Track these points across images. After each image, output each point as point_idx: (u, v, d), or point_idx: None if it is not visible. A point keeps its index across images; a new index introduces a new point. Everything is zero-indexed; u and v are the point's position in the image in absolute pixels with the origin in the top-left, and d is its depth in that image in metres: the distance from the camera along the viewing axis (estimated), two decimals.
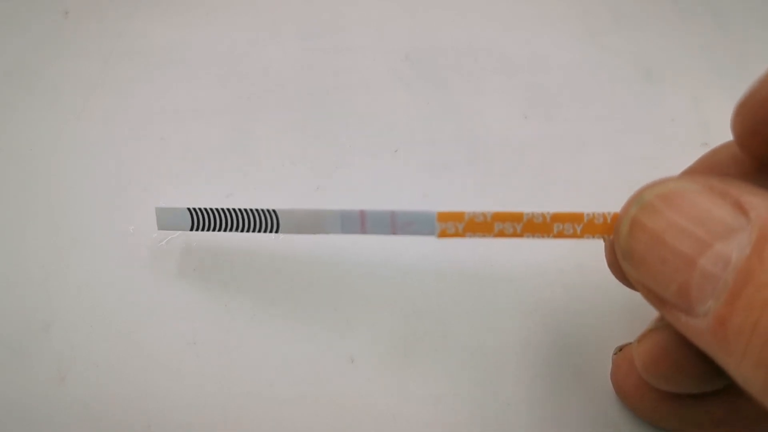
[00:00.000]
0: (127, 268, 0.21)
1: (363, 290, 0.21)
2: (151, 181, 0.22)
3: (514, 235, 0.15)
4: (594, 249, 0.21)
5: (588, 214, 0.15)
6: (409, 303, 0.20)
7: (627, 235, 0.13)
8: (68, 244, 0.21)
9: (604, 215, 0.15)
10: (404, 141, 0.24)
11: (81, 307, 0.20)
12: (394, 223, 0.16)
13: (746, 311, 0.11)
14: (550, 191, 0.23)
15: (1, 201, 0.22)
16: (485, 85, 0.26)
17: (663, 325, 0.16)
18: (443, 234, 0.16)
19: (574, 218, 0.15)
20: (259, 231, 0.18)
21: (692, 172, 0.16)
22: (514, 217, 0.15)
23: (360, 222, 0.16)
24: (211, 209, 0.18)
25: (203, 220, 0.18)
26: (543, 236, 0.15)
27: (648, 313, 0.19)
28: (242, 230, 0.18)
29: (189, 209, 0.18)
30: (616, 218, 0.14)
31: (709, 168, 0.16)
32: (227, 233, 0.18)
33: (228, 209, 0.18)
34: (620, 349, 0.18)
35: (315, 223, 0.17)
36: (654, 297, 0.13)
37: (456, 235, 0.15)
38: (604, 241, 0.17)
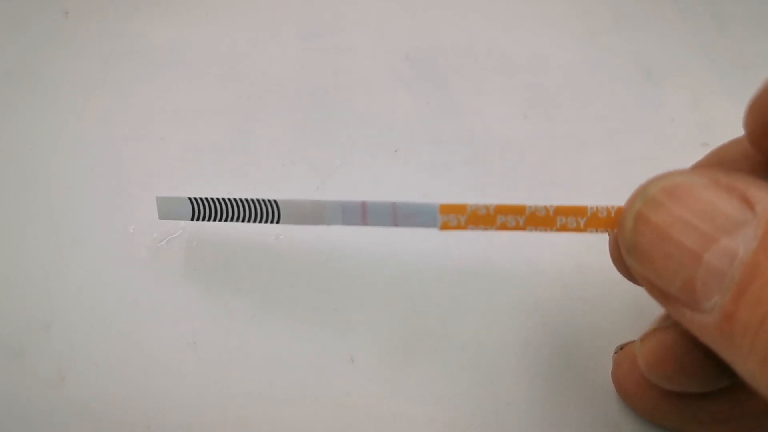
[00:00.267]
0: (127, 268, 0.21)
1: (363, 290, 0.21)
2: (151, 181, 0.22)
3: (517, 228, 0.15)
4: (594, 248, 0.21)
5: (591, 208, 0.15)
6: (409, 303, 0.20)
7: (631, 230, 0.13)
8: (68, 244, 0.21)
9: (607, 209, 0.15)
10: (404, 141, 0.24)
11: (81, 307, 0.20)
12: (396, 215, 0.16)
13: (753, 306, 0.10)
14: (550, 191, 0.23)
15: (1, 201, 0.22)
16: (485, 85, 0.26)
17: (667, 325, 0.16)
18: (445, 226, 0.15)
19: (577, 212, 0.15)
20: (260, 221, 0.18)
21: (701, 166, 0.16)
22: (517, 210, 0.15)
23: (361, 213, 0.16)
24: (212, 199, 0.18)
25: (204, 209, 0.18)
26: (546, 229, 0.15)
27: (649, 312, 0.19)
28: (243, 220, 0.18)
29: (190, 198, 0.18)
30: (620, 212, 0.14)
31: (718, 163, 0.16)
32: (228, 223, 0.18)
33: (229, 199, 0.18)
34: (621, 347, 0.18)
35: (316, 213, 0.17)
36: (658, 292, 0.13)
37: (458, 227, 0.15)
38: (609, 235, 0.17)
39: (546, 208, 0.15)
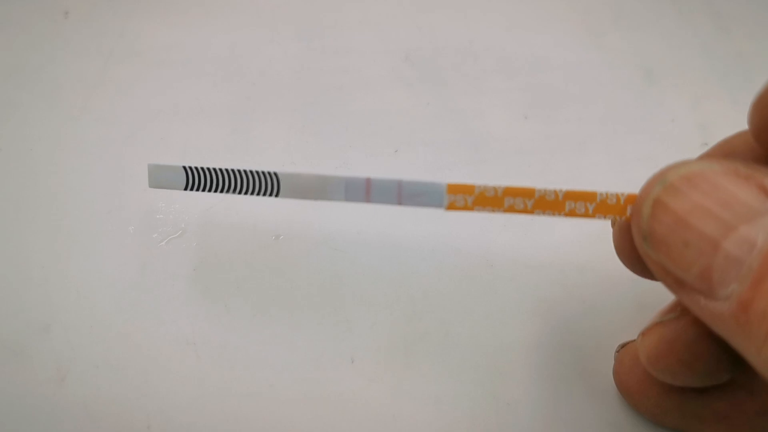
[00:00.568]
0: (127, 268, 0.21)
1: (363, 290, 0.21)
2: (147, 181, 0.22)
3: (525, 211, 0.15)
4: (595, 248, 0.22)
5: (601, 194, 0.15)
6: (409, 303, 0.20)
7: (649, 216, 0.13)
8: (68, 244, 0.21)
9: (617, 195, 0.14)
10: (404, 141, 0.24)
11: (81, 307, 0.20)
12: (401, 193, 0.15)
13: None
14: None
15: (1, 201, 0.22)
16: (485, 85, 0.26)
17: (668, 319, 0.16)
18: (452, 206, 0.15)
19: (586, 197, 0.15)
20: (259, 194, 0.17)
21: (707, 156, 0.16)
22: (526, 193, 0.15)
23: (365, 190, 0.16)
24: (209, 168, 0.17)
25: (199, 179, 0.17)
26: (554, 214, 0.15)
27: (650, 311, 0.19)
28: (240, 192, 0.17)
29: (184, 167, 0.17)
30: (630, 199, 0.14)
31: (724, 156, 0.16)
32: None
33: (227, 169, 0.17)
34: (622, 346, 0.18)
35: (318, 188, 0.16)
36: (673, 280, 0.13)
37: (465, 208, 0.15)
38: (612, 225, 0.17)
39: (555, 192, 0.15)
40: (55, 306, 0.20)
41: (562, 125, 0.25)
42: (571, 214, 0.15)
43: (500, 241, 0.22)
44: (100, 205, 0.22)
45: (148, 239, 0.21)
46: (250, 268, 0.21)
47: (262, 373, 0.19)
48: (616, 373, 0.18)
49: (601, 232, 0.22)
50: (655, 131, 0.25)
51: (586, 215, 0.15)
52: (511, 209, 0.15)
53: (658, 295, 0.17)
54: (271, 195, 0.17)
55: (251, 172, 0.17)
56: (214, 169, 0.17)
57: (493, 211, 0.15)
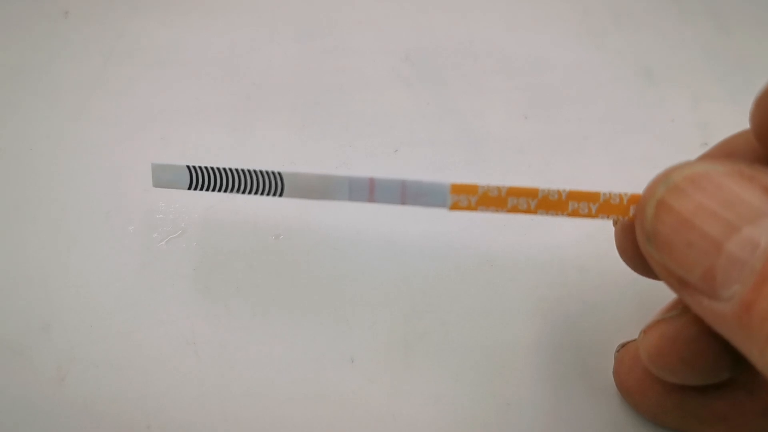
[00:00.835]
0: (127, 268, 0.21)
1: (363, 290, 0.21)
2: (151, 181, 0.22)
3: (528, 211, 0.15)
4: (595, 248, 0.22)
5: (604, 194, 0.15)
6: (409, 302, 0.20)
7: (652, 217, 0.13)
8: (68, 244, 0.21)
9: (620, 196, 0.15)
10: (404, 141, 0.24)
11: (81, 306, 0.20)
12: (405, 193, 0.16)
13: None
14: None
15: (1, 201, 0.22)
16: (485, 85, 0.26)
17: (669, 316, 0.16)
18: (455, 206, 0.15)
19: (590, 197, 0.15)
20: (262, 193, 0.17)
21: (709, 157, 0.16)
22: (529, 193, 0.15)
23: (368, 189, 0.16)
24: (212, 168, 0.17)
25: (203, 178, 0.17)
26: (557, 214, 0.15)
27: (650, 310, 0.19)
28: (244, 192, 0.17)
29: (188, 166, 0.17)
30: (633, 199, 0.14)
31: (725, 156, 0.16)
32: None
33: (231, 169, 0.17)
34: (622, 345, 0.18)
35: (322, 187, 0.16)
36: (675, 280, 0.13)
37: (468, 208, 0.15)
38: (614, 224, 0.17)
39: (559, 192, 0.15)
40: (55, 306, 0.20)
41: (562, 125, 0.25)
42: (574, 214, 0.15)
43: (501, 241, 0.22)
44: (100, 205, 0.22)
45: (148, 239, 0.21)
46: (250, 268, 0.21)
47: (262, 373, 0.19)
48: (616, 373, 0.18)
49: (601, 232, 0.22)
50: (655, 131, 0.25)
51: (589, 215, 0.15)
52: (515, 209, 0.15)
53: (659, 295, 0.17)
54: (274, 195, 0.17)
55: (255, 171, 0.17)
56: (218, 169, 0.17)
57: (497, 211, 0.15)
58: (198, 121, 0.24)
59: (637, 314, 0.20)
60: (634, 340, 0.18)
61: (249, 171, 0.17)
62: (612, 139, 0.24)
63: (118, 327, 0.20)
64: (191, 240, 0.21)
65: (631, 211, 0.14)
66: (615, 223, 0.17)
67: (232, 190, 0.17)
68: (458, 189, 0.15)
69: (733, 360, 0.15)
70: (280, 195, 0.17)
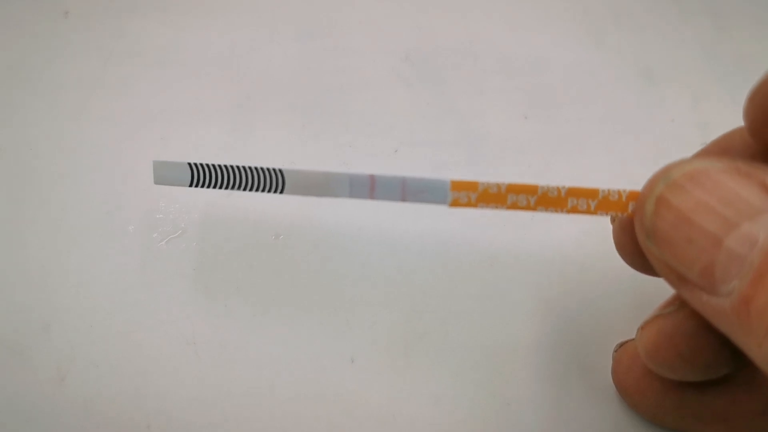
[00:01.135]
0: (127, 268, 0.21)
1: (363, 290, 0.21)
2: (151, 181, 0.22)
3: (527, 208, 0.15)
4: (595, 248, 0.22)
5: (603, 191, 0.15)
6: (409, 302, 0.20)
7: (652, 214, 0.13)
8: (68, 244, 0.21)
9: (619, 192, 0.15)
10: (404, 141, 0.24)
11: (80, 306, 0.20)
12: (405, 190, 0.16)
13: None
14: None
15: (1, 201, 0.22)
16: (485, 85, 0.26)
17: (667, 312, 0.16)
18: (455, 203, 0.15)
19: (589, 194, 0.15)
20: (263, 190, 0.17)
21: (706, 153, 0.16)
22: (529, 190, 0.15)
23: (369, 186, 0.16)
24: (214, 165, 0.17)
25: (204, 176, 0.17)
26: (556, 210, 0.15)
27: (649, 309, 0.19)
28: (246, 188, 0.17)
29: (189, 164, 0.17)
30: (632, 196, 0.14)
31: (721, 152, 0.16)
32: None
33: (231, 166, 0.17)
34: (621, 345, 0.18)
35: (322, 184, 0.16)
36: (675, 276, 0.13)
37: (468, 205, 0.15)
38: (612, 221, 0.17)
39: (558, 189, 0.15)
40: (55, 306, 0.20)
41: (562, 125, 0.25)
42: (573, 210, 0.15)
43: (500, 241, 0.22)
44: (100, 205, 0.22)
45: (148, 239, 0.21)
46: (250, 268, 0.21)
47: (262, 373, 0.19)
48: (615, 373, 0.18)
49: (601, 230, 0.22)
50: (655, 131, 0.25)
51: (588, 212, 0.15)
52: (514, 206, 0.15)
53: (658, 294, 0.17)
54: (275, 192, 0.17)
55: (256, 168, 0.17)
56: (219, 166, 0.17)
57: (497, 207, 0.15)
58: (198, 121, 0.24)
59: (637, 313, 0.20)
60: (632, 340, 0.18)
61: (250, 168, 0.17)
62: (612, 139, 0.24)
63: (118, 327, 0.20)
64: (191, 240, 0.21)
65: (630, 208, 0.14)
66: (613, 220, 0.17)
67: (233, 187, 0.17)
68: (458, 186, 0.15)
69: (730, 355, 0.15)
70: (281, 192, 0.17)
